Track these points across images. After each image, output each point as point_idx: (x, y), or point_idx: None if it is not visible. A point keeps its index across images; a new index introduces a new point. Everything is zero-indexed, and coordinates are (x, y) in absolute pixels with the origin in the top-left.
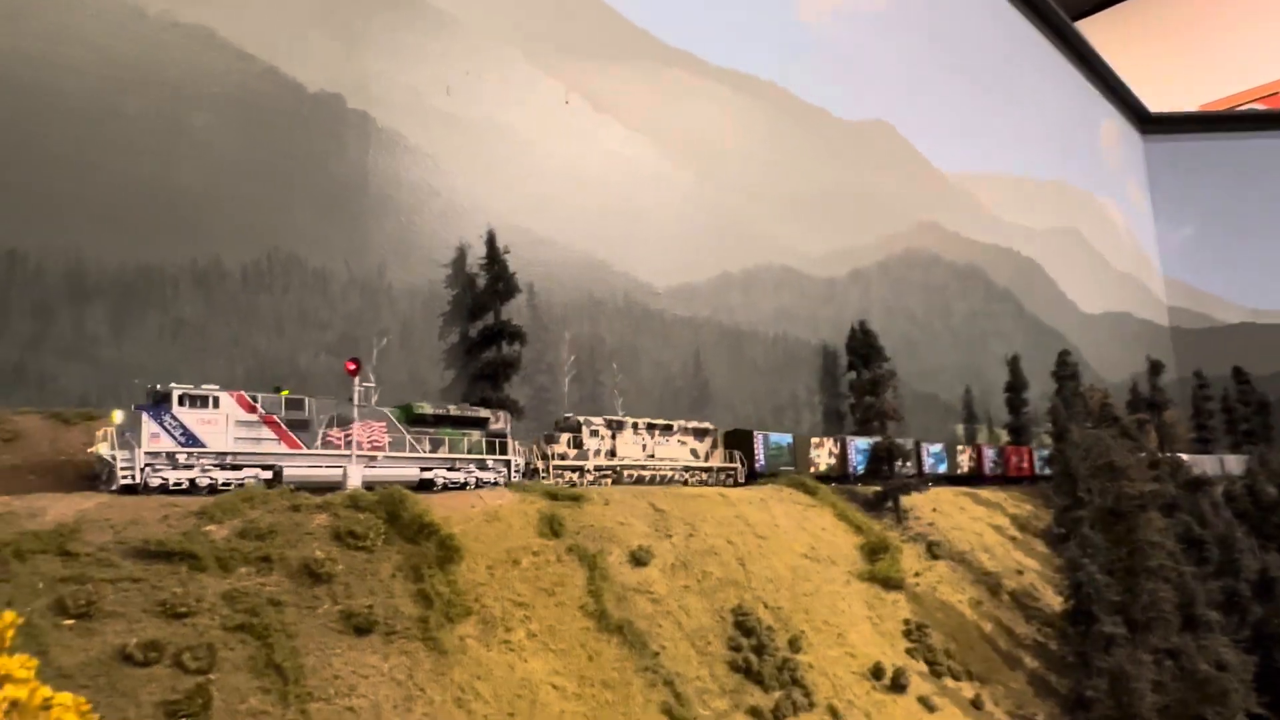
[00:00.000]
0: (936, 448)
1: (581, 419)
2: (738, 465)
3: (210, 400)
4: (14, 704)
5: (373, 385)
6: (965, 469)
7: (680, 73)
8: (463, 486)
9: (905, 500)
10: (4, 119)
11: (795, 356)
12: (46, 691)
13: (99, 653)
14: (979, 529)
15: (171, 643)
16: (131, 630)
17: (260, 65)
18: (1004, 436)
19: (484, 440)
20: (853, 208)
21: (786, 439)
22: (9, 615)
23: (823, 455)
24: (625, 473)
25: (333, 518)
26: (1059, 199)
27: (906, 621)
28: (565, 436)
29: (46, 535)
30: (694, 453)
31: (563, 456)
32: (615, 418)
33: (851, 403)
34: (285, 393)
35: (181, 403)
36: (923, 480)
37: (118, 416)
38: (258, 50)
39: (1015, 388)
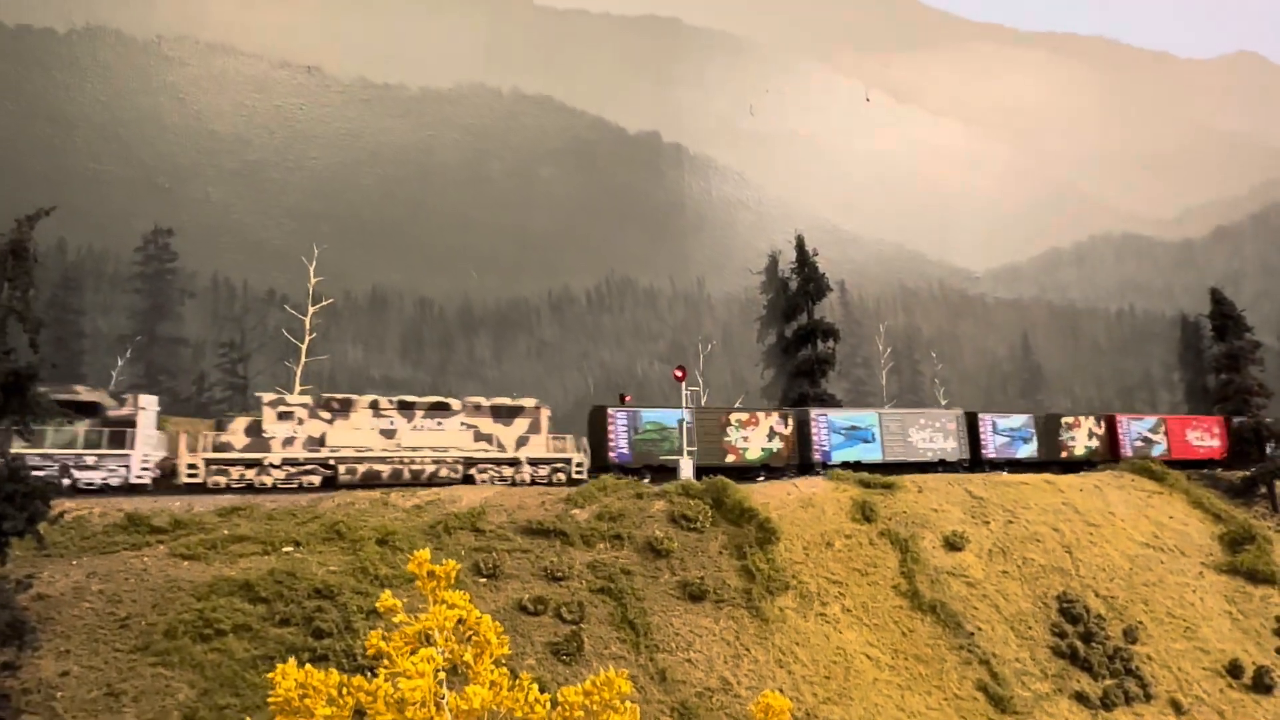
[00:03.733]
0: None
1: (271, 396)
2: (573, 456)
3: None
4: (460, 620)
5: (699, 389)
6: None
7: (987, 46)
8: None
9: None
10: (409, 194)
11: (1145, 331)
12: (478, 613)
13: (504, 603)
14: None
15: (552, 599)
16: (524, 588)
17: (589, 118)
18: None
19: (99, 432)
20: (1213, 157)
21: (674, 417)
22: (451, 563)
23: (754, 437)
24: (345, 468)
25: (669, 503)
26: None
27: None
28: (242, 423)
29: (463, 516)
30: (491, 439)
31: (224, 448)
32: (338, 395)
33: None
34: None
35: None
36: None
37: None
38: (586, 106)
39: None
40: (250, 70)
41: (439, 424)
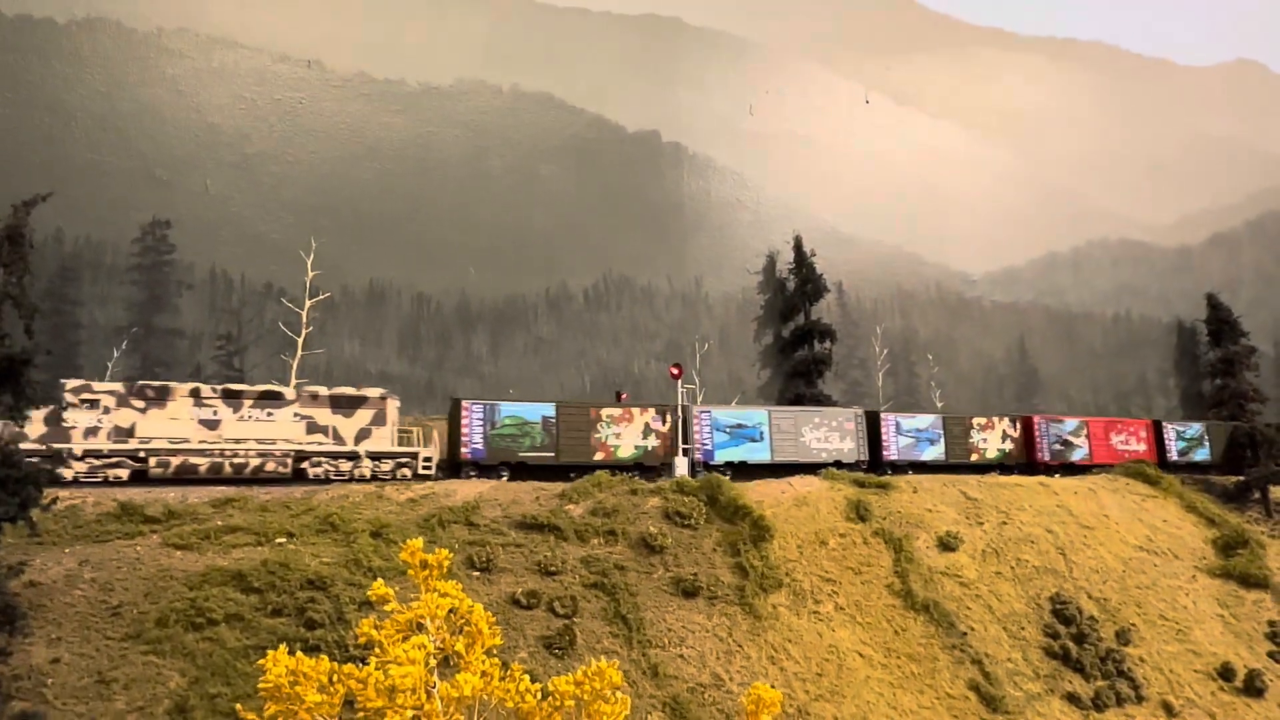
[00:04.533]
0: None
1: (75, 383)
2: (420, 451)
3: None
4: (452, 610)
5: (695, 387)
6: None
7: (987, 51)
8: None
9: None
10: (408, 189)
11: (1141, 336)
12: (470, 603)
13: (497, 596)
14: None
15: (546, 593)
16: (518, 582)
17: (589, 116)
18: None
19: None
20: (1211, 164)
21: (538, 412)
22: (443, 553)
23: (627, 434)
24: (156, 461)
25: (663, 500)
26: None
27: (1272, 624)
28: (42, 412)
29: (458, 510)
30: (328, 431)
31: (13, 441)
32: (154, 383)
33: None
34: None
35: None
36: None
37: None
38: (586, 104)
39: None
40: (250, 64)
41: (269, 414)
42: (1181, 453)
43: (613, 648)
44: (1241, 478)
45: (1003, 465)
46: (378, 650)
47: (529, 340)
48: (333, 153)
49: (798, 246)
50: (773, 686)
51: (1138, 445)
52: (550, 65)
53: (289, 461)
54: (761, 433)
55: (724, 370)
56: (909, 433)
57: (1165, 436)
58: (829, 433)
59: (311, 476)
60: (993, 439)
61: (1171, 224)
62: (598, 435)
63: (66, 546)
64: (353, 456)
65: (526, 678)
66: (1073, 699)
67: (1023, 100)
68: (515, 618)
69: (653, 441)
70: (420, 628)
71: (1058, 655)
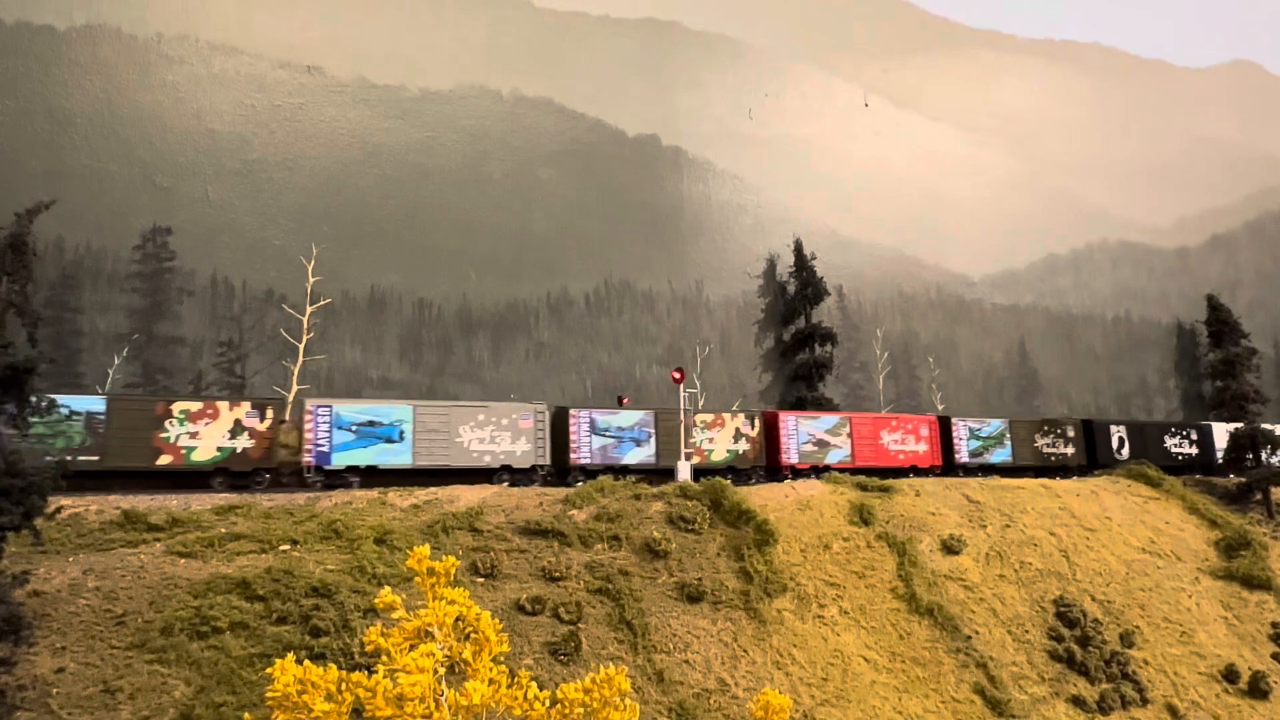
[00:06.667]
0: None
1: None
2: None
3: None
4: (459, 617)
5: (696, 391)
6: None
7: (985, 53)
8: None
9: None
10: (408, 195)
11: (1141, 338)
12: (477, 610)
13: (502, 603)
14: None
15: (550, 599)
16: (522, 588)
17: (589, 121)
18: None
19: None
20: (1209, 165)
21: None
22: (450, 560)
23: (208, 433)
24: None
25: (666, 504)
26: None
27: (1276, 625)
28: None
29: (461, 516)
30: None
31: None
32: None
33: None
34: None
35: None
36: None
37: None
38: (586, 108)
39: None
40: (250, 70)
41: None
42: (974, 453)
43: (618, 654)
44: (1243, 479)
45: (734, 470)
46: (385, 658)
47: (530, 345)
48: (333, 158)
49: (798, 250)
50: (778, 692)
51: (916, 445)
52: (550, 70)
53: None
54: (401, 432)
55: (725, 374)
56: (608, 431)
57: (955, 435)
58: (497, 432)
59: None
60: (722, 439)
61: (1170, 226)
62: (164, 434)
63: (70, 555)
64: None
65: (534, 685)
66: (1078, 702)
67: (1021, 102)
68: (520, 624)
69: (244, 442)
70: (428, 635)
71: (1062, 658)
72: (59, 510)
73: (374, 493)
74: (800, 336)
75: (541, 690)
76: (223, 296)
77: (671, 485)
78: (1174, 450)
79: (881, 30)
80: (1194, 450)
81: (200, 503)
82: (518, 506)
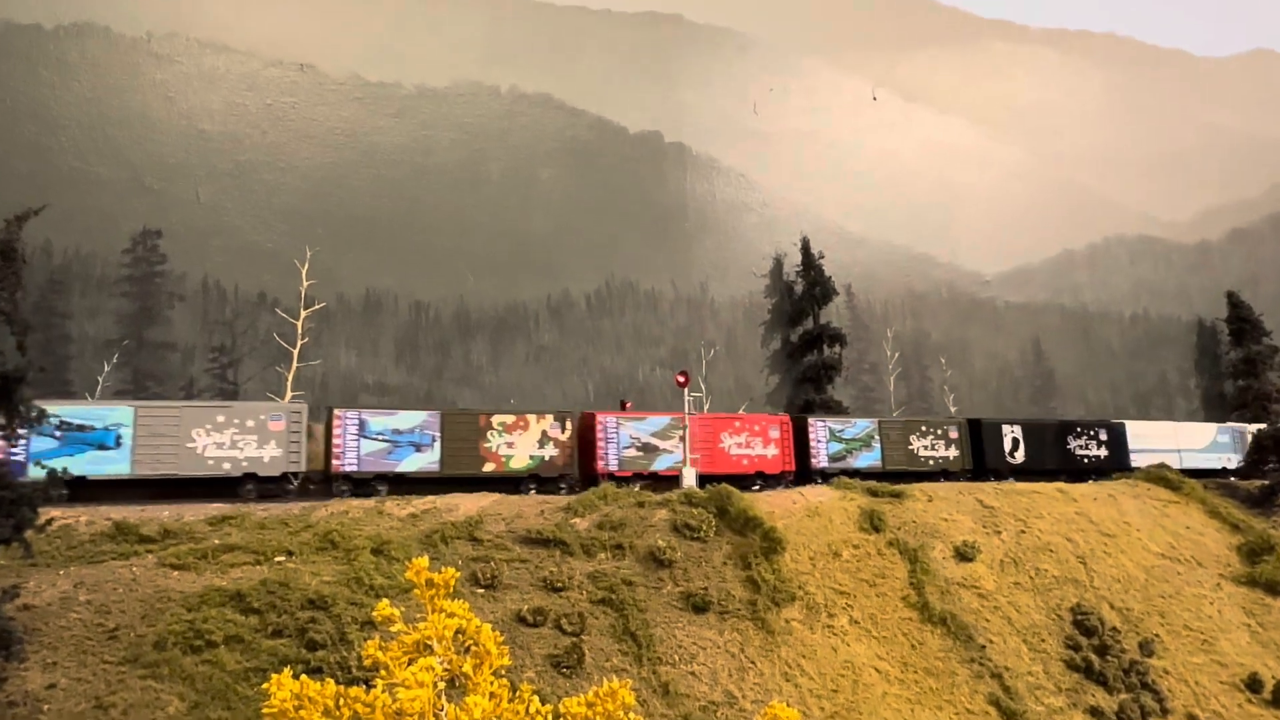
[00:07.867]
0: None
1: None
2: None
3: None
4: (460, 629)
5: (701, 395)
6: None
7: (997, 44)
8: None
9: None
10: (404, 195)
11: (1160, 336)
12: (478, 622)
13: (503, 614)
14: None
15: (552, 610)
16: (523, 599)
17: (590, 117)
18: None
19: None
20: (1229, 157)
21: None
22: (450, 571)
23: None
24: None
25: (671, 512)
26: None
27: None
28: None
29: (460, 525)
30: None
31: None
32: None
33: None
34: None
35: None
36: None
37: None
38: (586, 105)
39: None
40: (242, 68)
41: None
42: (835, 457)
43: (622, 666)
44: (1266, 481)
45: (536, 478)
46: (384, 672)
47: (530, 348)
48: (327, 158)
49: (805, 248)
50: (787, 704)
51: (765, 449)
52: (549, 65)
53: None
54: (119, 437)
55: (731, 377)
56: (379, 435)
57: (811, 436)
58: (240, 435)
59: None
60: (523, 444)
61: (1190, 219)
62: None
63: (61, 568)
64: None
65: (536, 699)
66: (1096, 713)
67: (1034, 94)
68: (522, 636)
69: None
70: (427, 649)
71: (1080, 668)
72: (50, 523)
73: (370, 502)
74: (808, 337)
75: (544, 704)
76: (214, 300)
77: (676, 492)
78: (1078, 453)
79: (889, 21)
80: (1102, 452)
81: (193, 514)
82: (518, 515)
